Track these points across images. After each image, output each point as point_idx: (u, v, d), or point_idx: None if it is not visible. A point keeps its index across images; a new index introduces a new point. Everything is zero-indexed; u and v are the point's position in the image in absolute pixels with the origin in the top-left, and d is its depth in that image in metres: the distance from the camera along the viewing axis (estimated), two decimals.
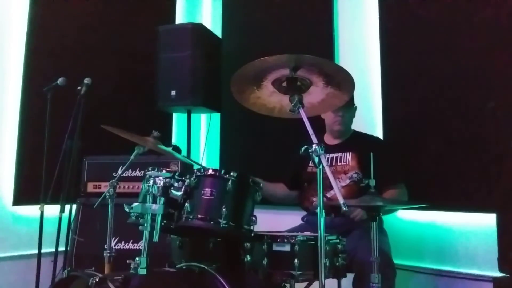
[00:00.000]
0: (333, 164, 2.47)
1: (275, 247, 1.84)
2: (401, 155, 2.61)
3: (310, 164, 2.53)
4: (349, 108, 2.50)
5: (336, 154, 2.49)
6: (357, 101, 2.54)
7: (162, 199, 1.74)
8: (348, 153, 2.48)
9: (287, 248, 1.82)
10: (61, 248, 2.73)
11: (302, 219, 2.58)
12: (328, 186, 1.58)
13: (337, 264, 1.88)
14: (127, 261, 1.71)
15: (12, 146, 3.02)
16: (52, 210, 2.71)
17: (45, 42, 3.18)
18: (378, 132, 2.90)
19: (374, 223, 1.82)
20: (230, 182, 1.82)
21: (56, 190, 2.69)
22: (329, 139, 2.59)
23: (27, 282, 2.69)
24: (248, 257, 1.88)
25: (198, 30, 3.43)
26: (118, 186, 2.27)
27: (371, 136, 2.63)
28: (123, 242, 2.72)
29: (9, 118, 3.04)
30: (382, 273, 1.82)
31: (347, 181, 2.42)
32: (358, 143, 2.51)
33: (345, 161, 2.47)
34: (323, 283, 1.54)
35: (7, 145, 3.01)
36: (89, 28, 3.42)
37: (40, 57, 3.14)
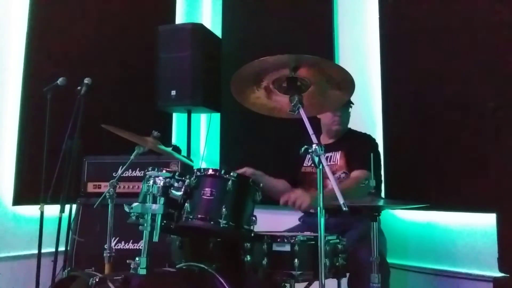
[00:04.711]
0: None
1: (275, 247, 1.84)
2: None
3: (305, 164, 2.53)
4: (347, 107, 2.50)
5: (326, 154, 2.46)
6: (357, 101, 2.53)
7: (162, 199, 1.74)
8: (337, 152, 2.47)
9: (287, 248, 1.81)
10: (61, 248, 2.72)
11: (299, 219, 2.58)
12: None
13: (337, 264, 1.88)
14: (127, 261, 1.71)
15: (12, 146, 3.02)
16: (52, 210, 2.71)
17: (45, 42, 3.18)
18: (378, 132, 2.90)
19: (374, 223, 1.82)
20: (230, 182, 1.81)
21: (56, 190, 2.69)
22: (323, 139, 2.58)
23: (27, 282, 2.69)
24: (248, 257, 1.88)
25: (198, 30, 3.43)
26: (118, 186, 2.27)
27: (360, 133, 2.58)
28: (123, 242, 2.72)
29: (9, 118, 3.04)
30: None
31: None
32: (348, 141, 2.49)
33: (334, 160, 2.46)
34: (323, 283, 1.54)
35: (7, 145, 3.01)
36: (89, 28, 3.42)
37: (40, 57, 3.14)
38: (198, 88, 3.32)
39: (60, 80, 2.70)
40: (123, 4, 3.66)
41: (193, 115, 3.58)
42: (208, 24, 3.96)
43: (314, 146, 1.55)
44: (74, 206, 2.81)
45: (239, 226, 1.82)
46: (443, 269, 2.60)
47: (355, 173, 2.32)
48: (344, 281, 2.00)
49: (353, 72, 1.80)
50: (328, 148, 2.45)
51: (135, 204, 1.74)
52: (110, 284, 1.59)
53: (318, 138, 1.66)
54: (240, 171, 2.22)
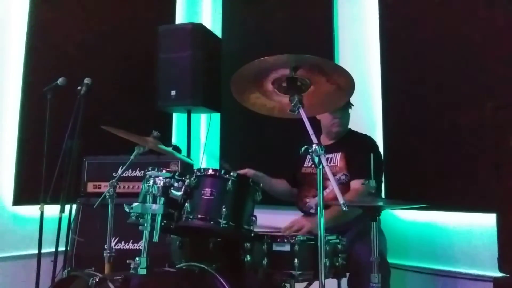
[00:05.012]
0: None
1: (275, 247, 1.84)
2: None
3: (305, 165, 2.53)
4: (346, 109, 2.50)
5: (326, 155, 2.44)
6: (357, 101, 2.53)
7: (162, 199, 1.74)
8: (337, 153, 2.46)
9: (287, 248, 1.82)
10: (61, 248, 2.72)
11: None
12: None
13: (337, 264, 1.88)
14: (127, 261, 1.71)
15: (12, 146, 3.02)
16: (52, 210, 2.71)
17: (45, 42, 3.18)
18: (378, 133, 2.90)
19: (374, 223, 1.82)
20: (230, 182, 1.82)
21: (56, 190, 2.69)
22: (324, 140, 2.57)
23: (27, 282, 2.69)
24: (248, 257, 1.88)
25: (198, 30, 3.43)
26: (118, 186, 2.27)
27: (360, 134, 2.57)
28: (123, 242, 2.71)
29: (9, 118, 3.04)
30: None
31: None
32: (348, 142, 2.49)
33: (334, 162, 2.45)
34: (323, 283, 1.54)
35: (7, 145, 3.01)
36: (89, 28, 3.42)
37: (40, 57, 3.13)
38: (198, 88, 3.32)
39: (60, 80, 2.70)
40: (123, 4, 3.66)
41: (193, 115, 3.58)
42: (208, 24, 3.96)
43: (314, 146, 1.55)
44: (74, 206, 2.81)
45: (239, 226, 1.83)
46: (443, 269, 2.60)
47: (355, 184, 2.32)
48: (344, 281, 2.00)
49: (353, 72, 1.80)
50: (328, 150, 2.45)
51: (135, 204, 1.74)
52: (110, 284, 1.59)
53: (318, 138, 1.66)
54: (242, 172, 2.23)
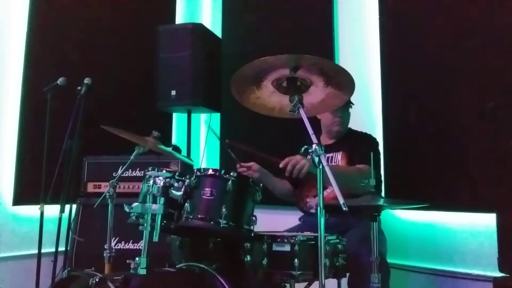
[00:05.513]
0: None
1: (275, 247, 1.84)
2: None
3: None
4: (347, 108, 2.50)
5: (327, 155, 2.46)
6: (357, 101, 2.53)
7: (162, 199, 1.74)
8: (338, 152, 2.46)
9: (287, 248, 1.81)
10: (61, 248, 2.72)
11: (300, 219, 2.58)
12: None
13: (337, 264, 1.88)
14: (127, 261, 1.71)
15: (12, 146, 3.02)
16: (52, 210, 2.71)
17: (45, 42, 3.18)
18: (378, 132, 2.90)
19: (374, 223, 1.82)
20: (230, 182, 1.82)
21: (56, 190, 2.69)
22: (324, 139, 2.57)
23: (27, 282, 2.69)
24: (248, 257, 1.88)
25: (198, 30, 3.43)
26: (118, 186, 2.27)
27: (361, 133, 2.58)
28: (123, 242, 2.71)
29: (9, 118, 3.04)
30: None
31: None
32: (348, 141, 2.49)
33: (335, 161, 2.45)
34: (323, 283, 1.54)
35: (7, 145, 3.01)
36: (89, 28, 3.42)
37: (40, 57, 3.13)
38: (198, 88, 3.32)
39: (60, 80, 2.70)
40: (123, 4, 3.66)
41: (193, 115, 3.58)
42: (208, 24, 3.96)
43: (314, 146, 1.55)
44: (74, 206, 2.81)
45: (239, 226, 1.82)
46: (443, 269, 2.60)
47: (357, 166, 2.32)
48: (344, 281, 2.00)
49: (353, 72, 1.80)
50: (329, 149, 2.46)
51: (135, 204, 1.74)
52: (110, 284, 1.59)
53: (318, 138, 1.66)
54: (247, 164, 2.23)
